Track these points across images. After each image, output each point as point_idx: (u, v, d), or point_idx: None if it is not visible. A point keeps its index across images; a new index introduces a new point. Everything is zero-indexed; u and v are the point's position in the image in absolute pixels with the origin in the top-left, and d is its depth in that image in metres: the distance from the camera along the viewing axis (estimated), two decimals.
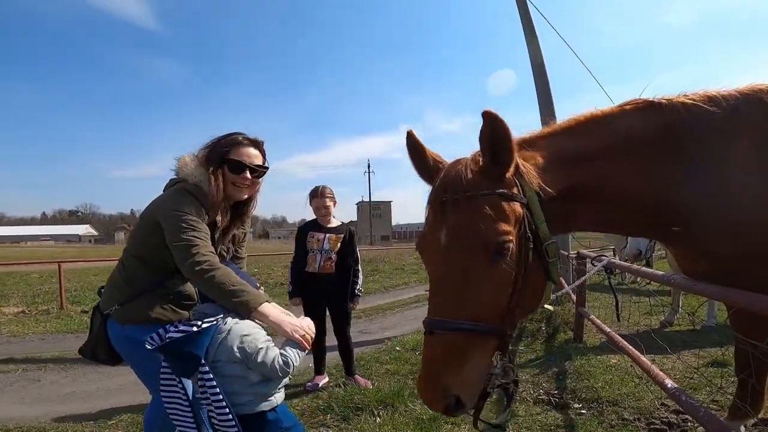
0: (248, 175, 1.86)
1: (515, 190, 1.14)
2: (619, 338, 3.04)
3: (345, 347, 3.76)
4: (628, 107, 1.38)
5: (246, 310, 1.63)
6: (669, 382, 2.27)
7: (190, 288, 1.93)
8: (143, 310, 1.78)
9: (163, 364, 1.63)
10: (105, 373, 4.22)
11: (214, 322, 1.58)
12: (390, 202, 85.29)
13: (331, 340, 3.74)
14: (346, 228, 3.75)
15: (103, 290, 1.93)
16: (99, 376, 4.18)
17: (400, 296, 9.94)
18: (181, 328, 1.55)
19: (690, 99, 1.34)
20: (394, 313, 7.81)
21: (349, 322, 3.81)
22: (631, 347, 2.81)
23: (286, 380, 1.68)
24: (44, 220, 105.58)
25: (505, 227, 1.08)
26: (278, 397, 1.67)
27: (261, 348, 1.58)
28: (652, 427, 2.67)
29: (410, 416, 2.86)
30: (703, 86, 1.37)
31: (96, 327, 1.88)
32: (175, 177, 1.89)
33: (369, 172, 68.19)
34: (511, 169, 1.12)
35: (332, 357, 3.89)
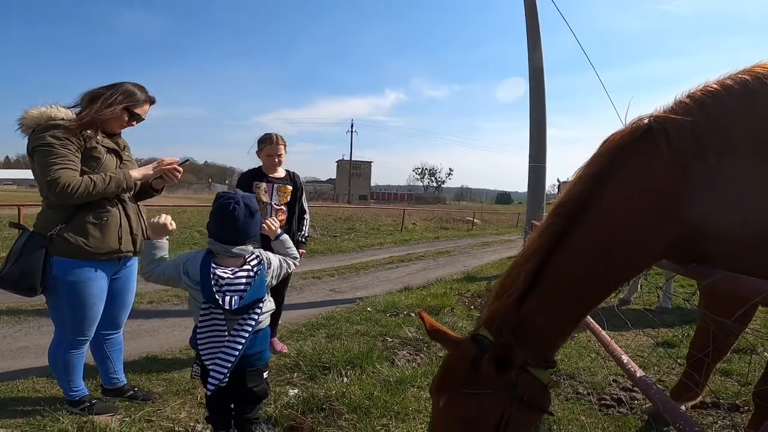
0: (134, 123, 2.30)
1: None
2: None
3: (278, 307, 3.42)
4: None
5: (128, 187, 2.14)
6: (625, 358, 2.35)
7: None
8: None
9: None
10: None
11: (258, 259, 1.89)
12: (371, 162, 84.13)
13: None
14: (293, 177, 3.43)
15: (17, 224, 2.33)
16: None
17: (374, 256, 10.02)
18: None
19: None
20: (367, 272, 7.87)
21: (288, 282, 3.62)
22: (592, 321, 2.90)
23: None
24: (8, 164, 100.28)
25: None
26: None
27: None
28: (602, 402, 2.74)
29: (377, 377, 2.91)
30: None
31: (34, 254, 2.12)
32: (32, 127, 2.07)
33: (351, 132, 66.84)
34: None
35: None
